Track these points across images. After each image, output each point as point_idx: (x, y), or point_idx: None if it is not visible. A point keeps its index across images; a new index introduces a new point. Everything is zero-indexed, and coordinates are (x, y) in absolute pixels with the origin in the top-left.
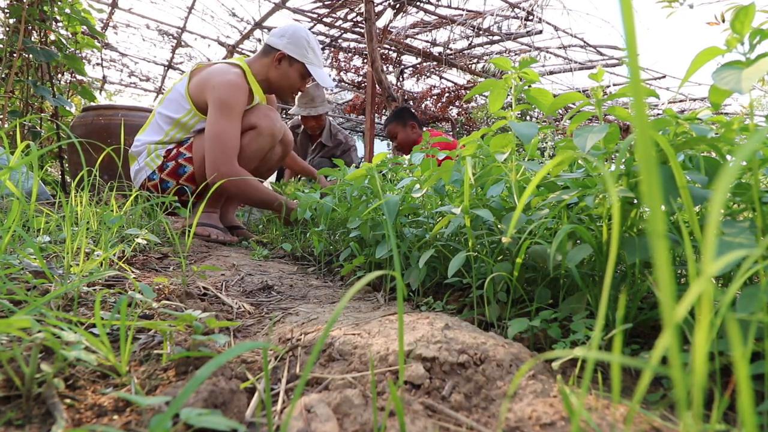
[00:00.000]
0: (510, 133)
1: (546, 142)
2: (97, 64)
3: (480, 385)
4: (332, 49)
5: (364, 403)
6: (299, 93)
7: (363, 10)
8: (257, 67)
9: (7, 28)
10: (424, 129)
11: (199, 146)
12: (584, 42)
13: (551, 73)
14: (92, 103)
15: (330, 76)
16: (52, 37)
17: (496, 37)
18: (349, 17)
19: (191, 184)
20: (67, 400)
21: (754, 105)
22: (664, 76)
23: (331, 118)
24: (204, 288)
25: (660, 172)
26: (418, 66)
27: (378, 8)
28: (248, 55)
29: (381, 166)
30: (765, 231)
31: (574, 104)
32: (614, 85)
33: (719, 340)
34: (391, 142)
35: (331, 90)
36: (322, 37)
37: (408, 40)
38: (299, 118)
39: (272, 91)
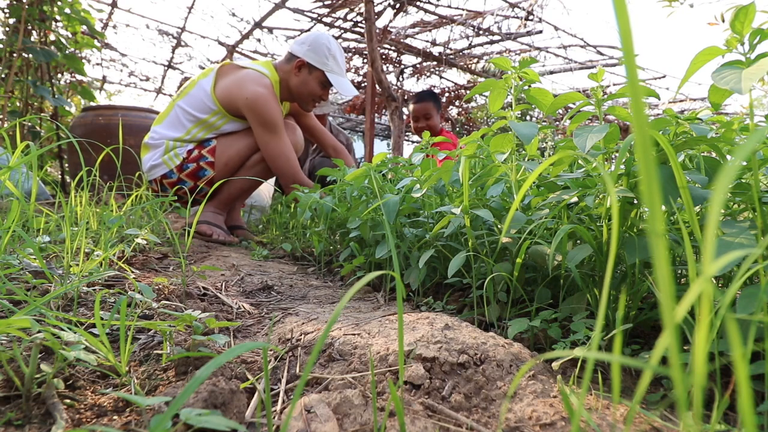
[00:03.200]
0: (510, 133)
1: (546, 142)
2: (97, 64)
3: (480, 385)
4: None
5: (364, 403)
6: (321, 102)
7: (363, 10)
8: (281, 73)
9: (7, 28)
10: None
11: (223, 151)
12: (584, 42)
13: (551, 73)
14: (92, 103)
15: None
16: (52, 37)
17: (496, 37)
18: (349, 17)
19: (207, 187)
20: (67, 400)
21: (754, 105)
22: (664, 76)
23: (331, 118)
24: (204, 288)
25: (660, 172)
26: (418, 66)
27: (378, 8)
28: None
29: (381, 166)
30: (765, 231)
31: (574, 104)
32: (614, 84)
33: (719, 340)
34: (413, 122)
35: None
36: None
37: (408, 40)
38: None
39: (293, 98)
